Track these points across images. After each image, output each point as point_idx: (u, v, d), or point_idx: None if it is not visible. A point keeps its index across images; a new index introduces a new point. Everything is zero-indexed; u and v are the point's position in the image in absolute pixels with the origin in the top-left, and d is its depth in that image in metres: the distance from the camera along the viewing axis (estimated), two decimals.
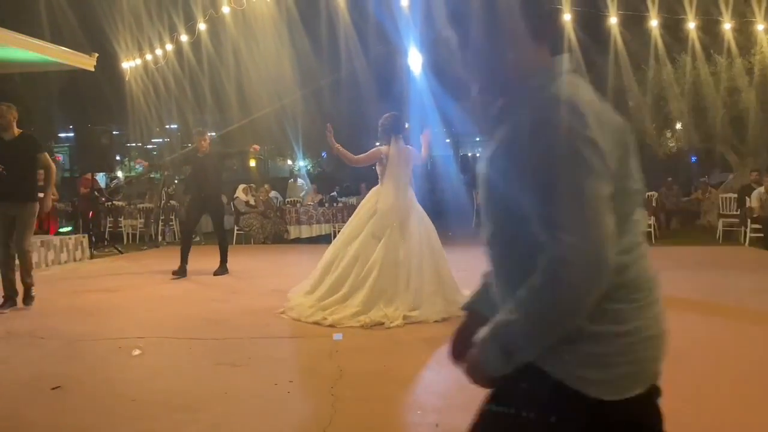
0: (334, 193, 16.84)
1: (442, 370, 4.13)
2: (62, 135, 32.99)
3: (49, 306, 6.71)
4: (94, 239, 11.71)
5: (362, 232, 5.89)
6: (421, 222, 5.95)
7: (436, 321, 5.40)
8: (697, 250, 10.85)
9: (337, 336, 4.92)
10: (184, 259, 8.45)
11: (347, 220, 14.02)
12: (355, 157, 6.16)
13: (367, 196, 6.29)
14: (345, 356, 4.47)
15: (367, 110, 23.35)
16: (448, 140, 37.44)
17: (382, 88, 19.53)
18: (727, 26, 12.69)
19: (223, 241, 8.94)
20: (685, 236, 13.07)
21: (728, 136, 14.09)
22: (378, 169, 6.13)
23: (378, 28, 15.61)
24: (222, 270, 8.77)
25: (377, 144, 6.38)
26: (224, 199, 16.39)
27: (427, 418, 3.30)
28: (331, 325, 5.31)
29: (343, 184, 21.17)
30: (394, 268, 5.63)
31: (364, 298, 5.51)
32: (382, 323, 5.32)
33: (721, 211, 12.60)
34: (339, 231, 13.13)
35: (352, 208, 13.62)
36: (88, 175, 13.00)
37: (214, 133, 21.17)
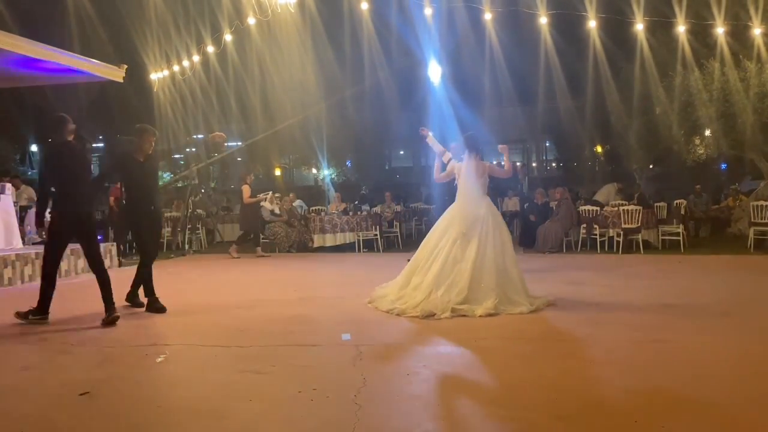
0: (357, 202, 16.87)
1: (466, 380, 4.11)
2: (92, 146, 33.59)
3: (80, 313, 6.83)
4: (122, 248, 11.88)
5: (444, 236, 6.62)
6: (490, 225, 6.55)
7: (480, 315, 5.91)
8: (728, 259, 10.64)
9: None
10: (150, 292, 6.96)
11: (371, 228, 14.17)
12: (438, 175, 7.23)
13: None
14: (368, 364, 4.46)
15: (390, 119, 23.44)
16: None
17: (405, 98, 19.53)
18: (757, 31, 12.47)
19: (146, 268, 6.96)
20: (714, 245, 12.82)
21: (758, 143, 13.81)
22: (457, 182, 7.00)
23: (401, 39, 15.67)
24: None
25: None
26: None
27: (450, 427, 3.28)
28: (398, 315, 6.09)
29: (360, 191, 20.99)
30: (455, 264, 6.32)
31: (425, 287, 6.27)
32: (434, 314, 5.94)
33: (752, 219, 12.34)
34: (363, 239, 13.32)
35: (376, 217, 13.67)
36: (118, 185, 13.20)
37: (240, 143, 21.41)
